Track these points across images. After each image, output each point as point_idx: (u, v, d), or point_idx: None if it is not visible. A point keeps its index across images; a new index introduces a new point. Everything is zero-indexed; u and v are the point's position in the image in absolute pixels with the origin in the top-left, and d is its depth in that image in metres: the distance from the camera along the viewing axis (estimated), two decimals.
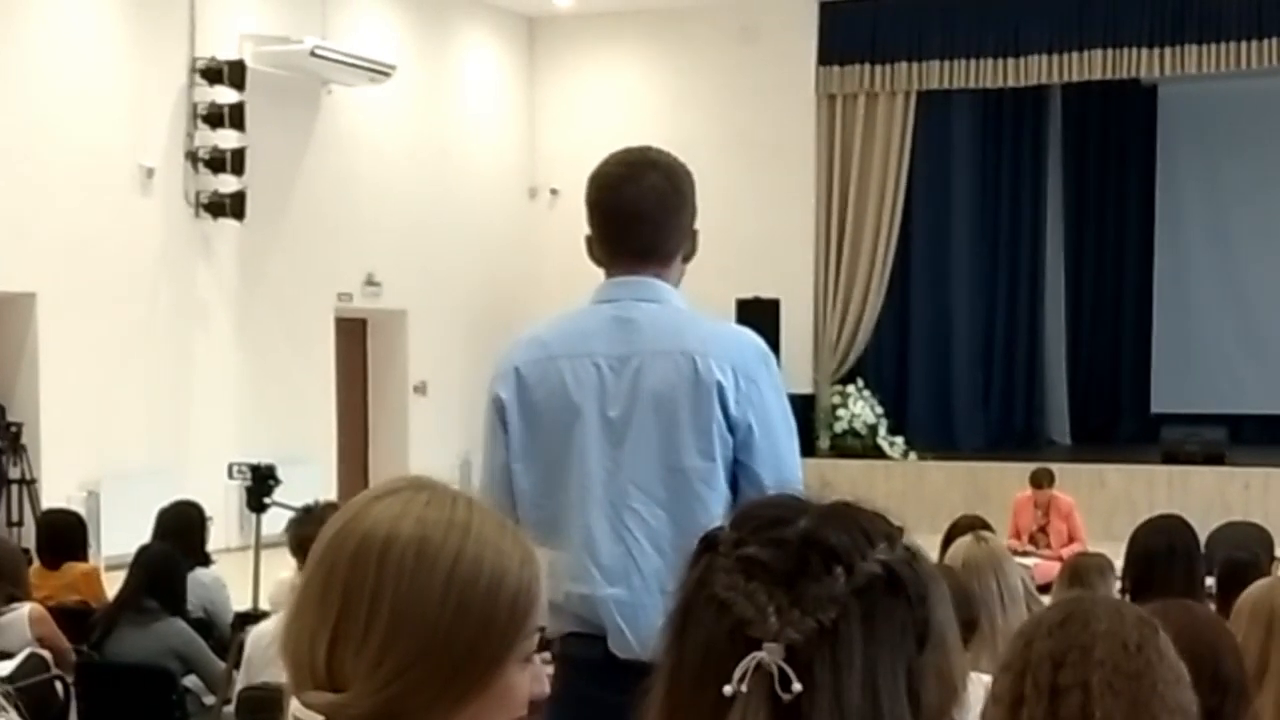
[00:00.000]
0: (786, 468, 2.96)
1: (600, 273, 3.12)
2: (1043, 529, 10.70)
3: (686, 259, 3.12)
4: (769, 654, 1.15)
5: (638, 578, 2.94)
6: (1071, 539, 10.53)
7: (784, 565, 1.18)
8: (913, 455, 15.38)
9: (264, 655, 4.66)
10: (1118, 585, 4.77)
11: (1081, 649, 1.84)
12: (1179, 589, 3.99)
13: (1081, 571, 4.69)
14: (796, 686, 1.14)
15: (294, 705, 1.31)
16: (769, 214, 15.90)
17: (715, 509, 2.84)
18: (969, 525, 6.66)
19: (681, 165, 3.09)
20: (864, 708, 1.15)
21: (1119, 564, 4.84)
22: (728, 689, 1.15)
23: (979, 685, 3.03)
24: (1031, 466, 11.61)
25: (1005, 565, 4.12)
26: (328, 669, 1.29)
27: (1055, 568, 6.07)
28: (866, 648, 1.16)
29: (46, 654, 5.74)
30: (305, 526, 4.72)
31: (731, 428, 2.93)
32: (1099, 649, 1.84)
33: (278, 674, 4.76)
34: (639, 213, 3.01)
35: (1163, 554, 4.40)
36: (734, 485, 2.94)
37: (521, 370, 3.03)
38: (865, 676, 1.16)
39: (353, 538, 1.31)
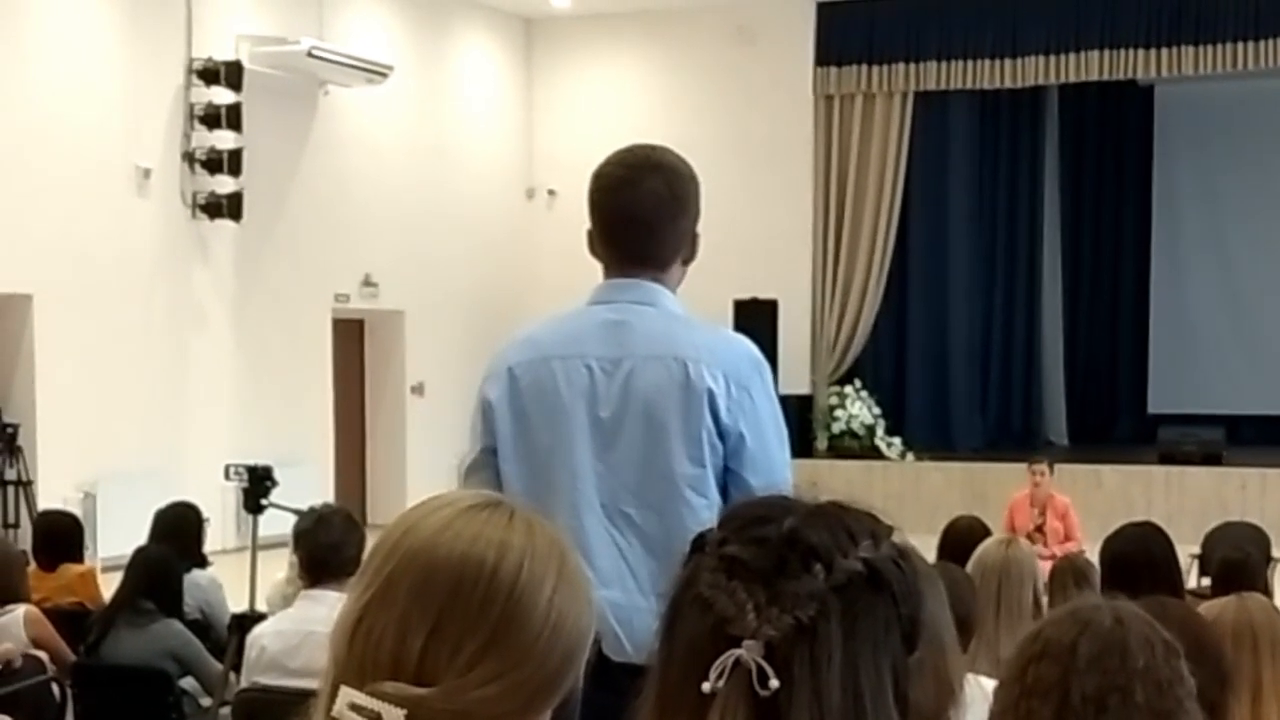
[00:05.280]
0: (777, 476, 2.94)
1: (599, 272, 3.11)
2: (1039, 528, 10.68)
3: (686, 262, 3.09)
4: (747, 651, 1.16)
5: (632, 580, 2.93)
6: (1068, 538, 10.52)
7: (764, 563, 1.18)
8: (910, 456, 15.39)
9: (261, 657, 4.65)
10: None
11: (1121, 691, 1.85)
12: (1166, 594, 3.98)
13: (1066, 576, 4.69)
14: (774, 683, 1.14)
15: (351, 694, 1.29)
16: (766, 215, 15.91)
17: (704, 515, 2.82)
18: (967, 526, 6.69)
19: (685, 168, 3.05)
20: (844, 705, 1.15)
21: None
22: (706, 686, 1.16)
23: (977, 687, 3.03)
24: None
25: (1012, 572, 4.09)
26: (419, 663, 1.29)
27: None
28: (846, 645, 1.16)
29: (43, 656, 5.73)
30: (320, 534, 4.69)
31: (722, 435, 2.92)
32: (1139, 691, 1.84)
33: (277, 676, 4.75)
34: (635, 218, 2.99)
35: (1142, 563, 4.38)
36: (724, 492, 2.92)
37: (515, 370, 3.02)
38: (845, 673, 1.16)
39: (460, 540, 1.33)
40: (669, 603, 1.24)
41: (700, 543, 1.24)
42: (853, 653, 1.16)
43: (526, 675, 1.31)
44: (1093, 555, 5.73)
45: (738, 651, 1.16)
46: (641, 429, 2.95)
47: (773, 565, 1.18)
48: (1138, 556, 4.40)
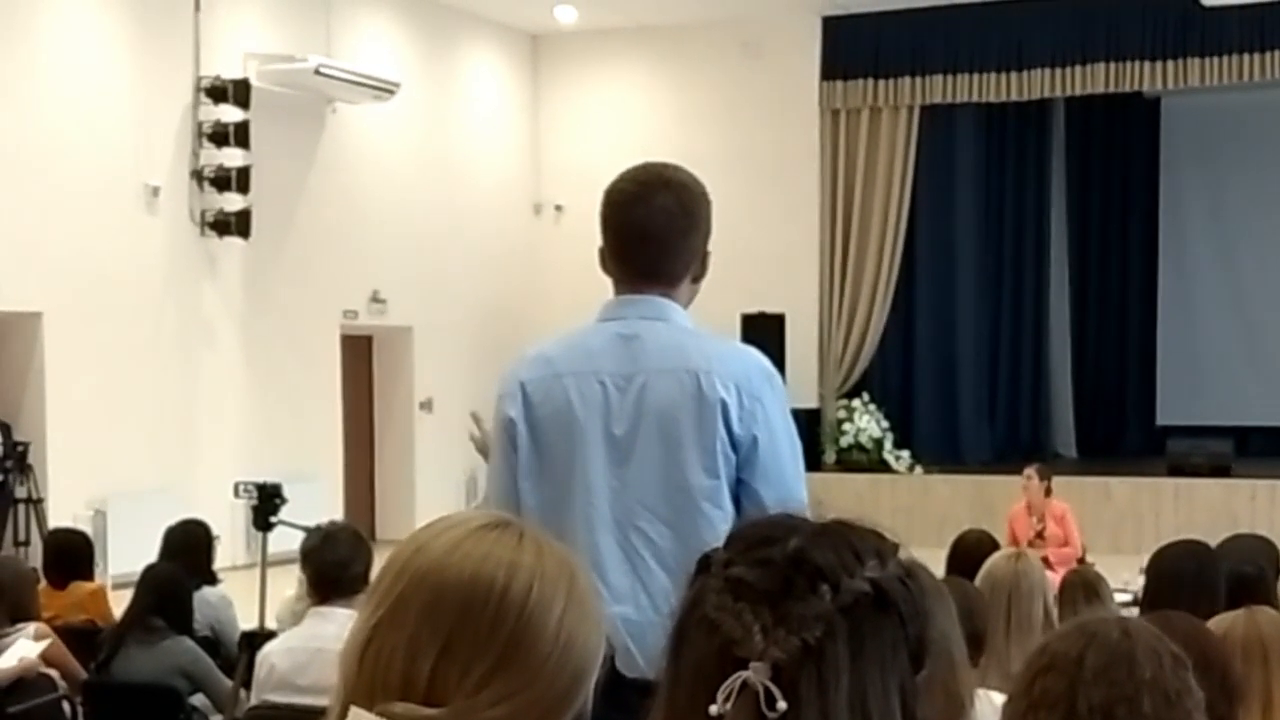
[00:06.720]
0: (790, 486, 2.96)
1: (607, 288, 3.12)
2: (1040, 535, 10.67)
3: (696, 279, 3.11)
4: (755, 673, 1.15)
5: (645, 597, 2.95)
6: (1066, 542, 10.53)
7: (770, 585, 1.18)
8: (918, 469, 15.37)
9: (271, 675, 4.66)
10: (1122, 596, 4.78)
11: (1129, 702, 1.85)
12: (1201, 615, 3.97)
13: (1076, 590, 4.69)
14: (781, 705, 1.14)
15: (361, 715, 1.29)
16: (774, 229, 15.92)
17: (721, 527, 2.84)
18: (975, 540, 6.69)
19: (698, 186, 3.07)
20: None
21: (1137, 580, 4.83)
22: (713, 709, 1.16)
23: (987, 702, 3.04)
24: None
25: (1021, 586, 4.08)
26: (429, 684, 1.30)
27: (1054, 574, 6.09)
28: (854, 666, 1.16)
29: (54, 673, 5.75)
30: (327, 552, 4.70)
31: (735, 445, 2.93)
32: (1146, 702, 1.84)
33: (286, 694, 4.75)
34: (646, 233, 3.01)
35: (1190, 577, 4.37)
36: (737, 503, 2.94)
37: (528, 387, 3.04)
38: (853, 695, 1.16)
39: (469, 561, 1.33)
40: (675, 624, 1.23)
41: (706, 563, 1.24)
42: (860, 674, 1.16)
43: (536, 696, 1.31)
44: (1101, 565, 5.73)
45: (745, 674, 1.16)
46: (656, 443, 2.96)
47: (779, 586, 1.18)
48: (1186, 575, 4.40)
